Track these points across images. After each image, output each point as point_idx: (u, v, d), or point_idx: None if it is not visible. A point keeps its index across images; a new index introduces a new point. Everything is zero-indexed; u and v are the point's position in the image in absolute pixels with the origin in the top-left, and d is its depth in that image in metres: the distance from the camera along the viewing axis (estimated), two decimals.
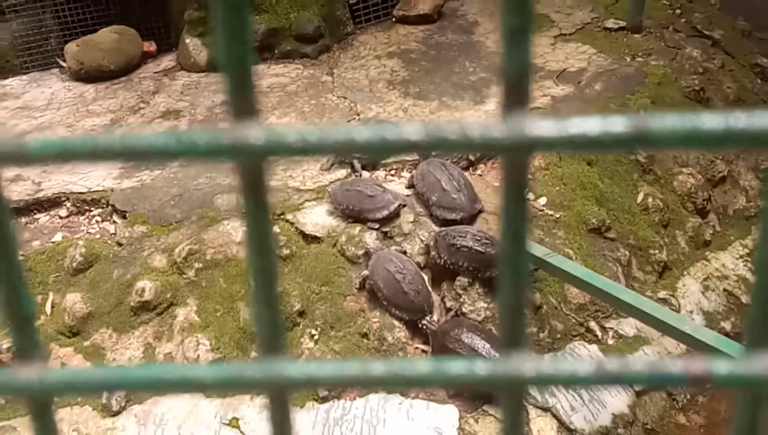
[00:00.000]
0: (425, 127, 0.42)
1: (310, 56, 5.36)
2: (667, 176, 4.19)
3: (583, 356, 3.41)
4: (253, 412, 3.21)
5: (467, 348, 3.12)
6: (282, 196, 3.80)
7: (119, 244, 3.71)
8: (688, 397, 3.56)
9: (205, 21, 5.29)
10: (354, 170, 3.95)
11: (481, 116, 4.38)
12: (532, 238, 3.72)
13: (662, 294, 3.76)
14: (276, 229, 3.60)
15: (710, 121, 0.40)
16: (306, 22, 5.34)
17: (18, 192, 4.09)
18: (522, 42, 0.41)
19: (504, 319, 0.46)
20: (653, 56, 4.86)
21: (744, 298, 3.94)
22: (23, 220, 3.99)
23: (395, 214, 3.60)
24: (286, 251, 3.53)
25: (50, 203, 4.06)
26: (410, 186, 3.81)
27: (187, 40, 5.42)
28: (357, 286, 3.46)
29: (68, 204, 4.04)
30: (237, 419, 3.20)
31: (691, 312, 3.79)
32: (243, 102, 0.43)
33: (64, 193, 4.07)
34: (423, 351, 3.35)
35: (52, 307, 3.56)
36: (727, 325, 3.80)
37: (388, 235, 3.57)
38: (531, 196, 3.82)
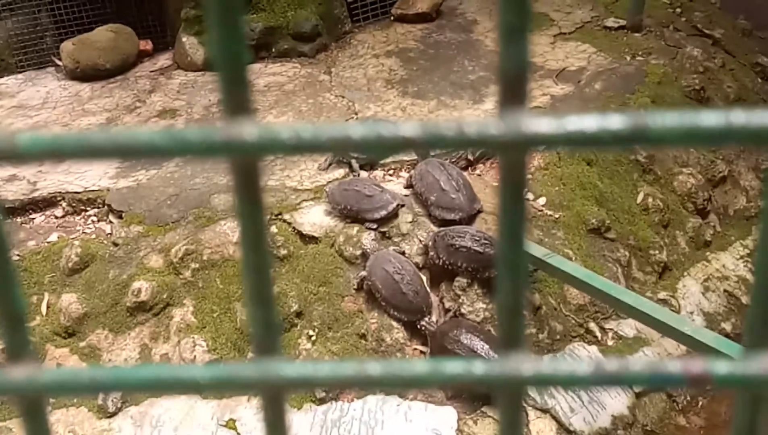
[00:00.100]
0: (422, 124, 0.41)
1: (307, 55, 5.35)
2: (668, 176, 4.18)
3: (582, 357, 3.40)
4: (250, 414, 3.21)
5: (466, 349, 3.12)
6: (279, 195, 3.80)
7: (115, 244, 3.70)
8: (688, 398, 3.56)
9: (202, 19, 5.26)
10: (352, 170, 3.95)
11: (479, 115, 4.38)
12: (531, 238, 3.71)
13: (662, 295, 3.76)
14: (273, 229, 3.59)
15: (709, 118, 0.40)
16: (303, 20, 5.33)
17: (13, 192, 4.08)
18: (520, 39, 0.40)
19: (502, 319, 0.45)
20: (653, 55, 4.86)
21: (744, 299, 3.94)
22: (19, 219, 3.98)
23: (393, 214, 3.59)
24: (283, 251, 3.52)
25: (46, 203, 4.05)
26: (408, 186, 3.80)
27: (184, 39, 5.41)
28: (355, 286, 3.45)
29: (64, 204, 4.03)
30: (234, 420, 3.19)
31: (692, 313, 3.79)
32: (237, 99, 0.42)
33: (59, 192, 4.06)
34: (421, 352, 3.35)
35: (48, 307, 3.55)
36: (727, 326, 3.80)
37: (387, 235, 3.57)
38: (530, 196, 3.82)
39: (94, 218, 3.96)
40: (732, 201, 4.39)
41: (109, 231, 3.84)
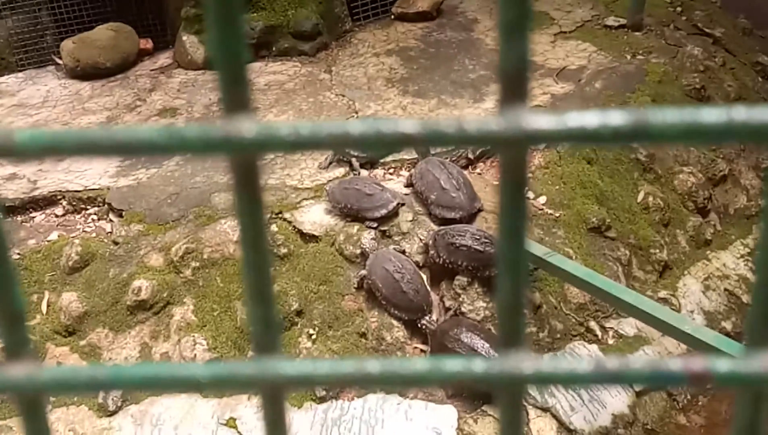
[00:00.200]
0: (421, 121, 0.41)
1: (308, 54, 5.35)
2: (668, 175, 4.18)
3: (582, 356, 3.40)
4: (251, 412, 3.20)
5: (466, 347, 3.12)
6: (280, 194, 3.79)
7: (115, 243, 3.70)
8: (689, 397, 3.56)
9: (202, 18, 5.25)
10: (352, 169, 3.95)
11: (480, 114, 4.38)
12: (531, 237, 3.71)
13: (663, 293, 3.76)
14: (274, 227, 3.59)
15: (711, 115, 0.40)
16: (304, 19, 5.33)
17: (14, 190, 4.08)
18: (520, 37, 0.40)
19: (503, 317, 0.45)
20: (654, 54, 4.86)
21: (745, 298, 3.94)
22: (19, 218, 3.98)
23: (394, 213, 3.59)
24: (283, 250, 3.52)
25: (46, 202, 4.05)
26: (409, 184, 3.80)
27: (184, 38, 5.41)
28: (355, 285, 3.45)
29: (64, 202, 4.03)
30: (234, 419, 3.19)
31: (692, 312, 3.79)
32: (236, 96, 0.42)
33: (60, 191, 4.05)
34: (422, 351, 3.35)
35: (48, 306, 3.55)
36: (727, 325, 3.80)
37: (387, 233, 3.56)
38: (531, 194, 3.82)
39: (95, 217, 3.96)
40: (732, 200, 4.39)
41: (109, 229, 3.84)
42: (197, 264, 3.52)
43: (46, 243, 3.78)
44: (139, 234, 3.70)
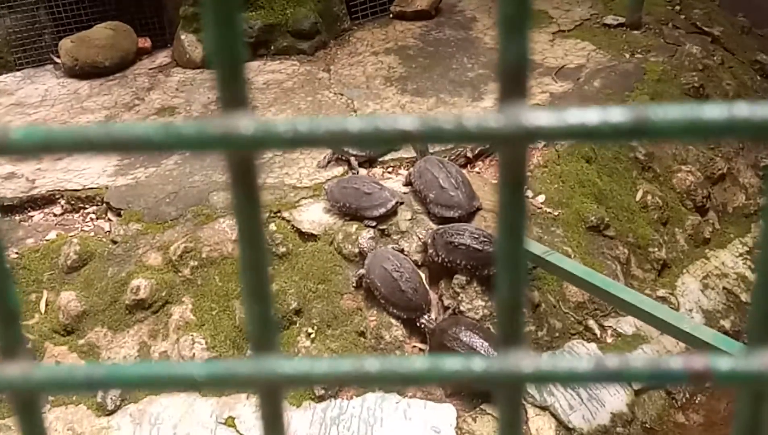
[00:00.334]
0: (420, 118, 0.41)
1: (306, 52, 5.35)
2: (667, 174, 4.18)
3: (581, 355, 3.40)
4: (249, 411, 3.20)
5: (465, 346, 3.12)
6: (278, 193, 3.79)
7: (114, 242, 3.69)
8: (687, 396, 3.56)
9: (201, 17, 5.26)
10: (351, 167, 3.94)
11: (479, 112, 4.37)
12: (530, 235, 3.71)
13: (661, 292, 3.76)
14: (272, 226, 3.58)
15: (712, 111, 0.39)
16: (302, 18, 5.33)
17: (12, 189, 4.07)
18: (519, 32, 0.40)
19: (502, 315, 0.45)
20: (652, 53, 4.86)
21: (744, 297, 3.94)
22: (17, 217, 3.98)
23: (392, 212, 3.58)
24: (282, 249, 3.52)
25: (44, 201, 4.04)
26: (408, 183, 3.80)
27: (183, 37, 5.40)
28: (354, 284, 3.45)
29: (63, 201, 4.02)
30: (233, 418, 3.19)
31: (691, 310, 3.79)
32: (233, 93, 0.42)
33: (58, 190, 4.05)
34: (420, 349, 3.34)
35: (47, 305, 3.54)
36: (726, 324, 3.80)
37: (386, 232, 3.56)
38: (529, 193, 3.82)
39: (93, 216, 3.96)
40: (731, 198, 4.39)
41: (107, 229, 3.83)
42: (196, 263, 3.52)
43: (45, 242, 3.78)
44: (137, 233, 3.70)
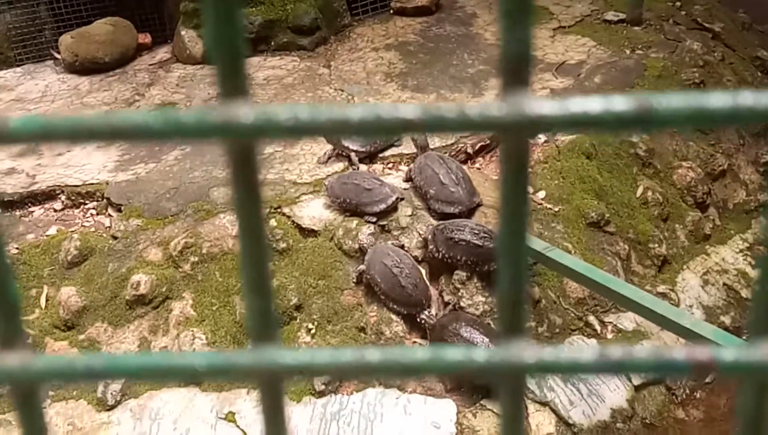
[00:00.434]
0: (422, 107, 0.40)
1: (306, 48, 5.34)
2: (667, 170, 4.18)
3: None
4: (250, 406, 3.20)
5: (465, 342, 3.12)
6: (279, 189, 3.79)
7: (114, 238, 3.69)
8: (687, 391, 3.56)
9: (201, 13, 5.25)
10: (351, 163, 3.94)
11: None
12: (530, 232, 3.69)
13: (662, 288, 3.76)
14: (273, 222, 3.58)
15: (717, 99, 0.39)
16: (303, 13, 5.32)
17: (12, 185, 4.07)
18: (521, 20, 0.39)
19: (503, 306, 0.44)
20: (653, 49, 4.85)
21: (744, 293, 3.93)
22: (17, 213, 3.97)
23: (393, 208, 3.58)
24: (282, 245, 3.51)
25: (45, 196, 4.04)
26: (408, 179, 3.79)
27: (183, 32, 5.39)
28: (354, 280, 3.44)
29: (63, 197, 4.02)
30: (233, 413, 3.19)
31: (691, 306, 3.78)
32: (233, 81, 0.41)
33: (58, 186, 4.05)
34: (420, 345, 3.34)
35: (47, 300, 3.54)
36: (726, 320, 3.80)
37: (386, 228, 3.56)
38: (530, 189, 3.81)
39: (93, 211, 3.95)
40: (731, 194, 4.39)
41: (108, 224, 3.83)
42: (196, 259, 3.52)
43: (45, 237, 3.77)
44: (137, 229, 3.70)
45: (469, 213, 3.58)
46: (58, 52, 5.49)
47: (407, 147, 4.00)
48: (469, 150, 4.03)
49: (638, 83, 4.50)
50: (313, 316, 3.39)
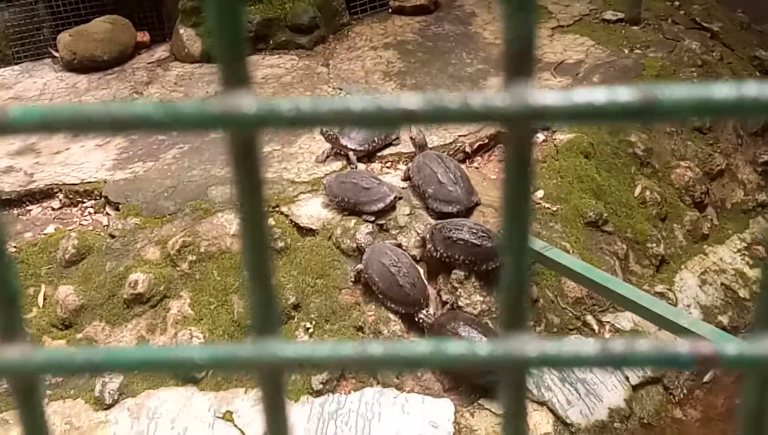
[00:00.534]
0: (424, 97, 0.40)
1: (305, 47, 5.33)
2: (665, 169, 4.18)
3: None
4: (247, 406, 3.20)
5: None
6: (277, 188, 3.78)
7: (112, 236, 3.68)
8: (685, 391, 3.56)
9: (199, 11, 5.25)
10: (349, 162, 3.93)
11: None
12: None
13: (659, 288, 3.76)
14: (271, 221, 3.58)
15: (721, 90, 0.39)
16: (301, 12, 5.31)
17: (10, 183, 4.06)
18: (524, 9, 0.39)
19: (506, 299, 0.44)
20: (652, 48, 4.85)
21: (742, 293, 3.94)
22: (15, 211, 3.97)
23: (391, 207, 3.58)
24: (280, 244, 3.51)
25: (43, 195, 4.03)
26: (406, 178, 3.79)
27: (181, 31, 5.39)
28: (352, 279, 3.44)
29: (61, 196, 4.02)
30: (231, 413, 3.19)
31: (689, 306, 3.79)
32: (234, 71, 0.41)
33: (56, 184, 4.04)
34: None
35: (45, 299, 3.53)
36: (724, 319, 3.80)
37: (384, 227, 3.56)
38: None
39: (91, 210, 3.95)
40: (729, 194, 4.39)
41: (106, 223, 3.82)
42: (194, 257, 3.51)
43: (43, 236, 3.77)
44: (135, 227, 3.69)
45: (467, 212, 3.58)
46: (57, 50, 5.48)
47: (405, 146, 4.00)
48: (468, 149, 4.03)
49: (637, 83, 4.50)
50: (311, 315, 3.38)
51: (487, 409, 3.20)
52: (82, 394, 3.30)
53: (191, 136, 4.30)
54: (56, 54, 5.50)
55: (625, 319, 3.60)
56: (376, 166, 3.99)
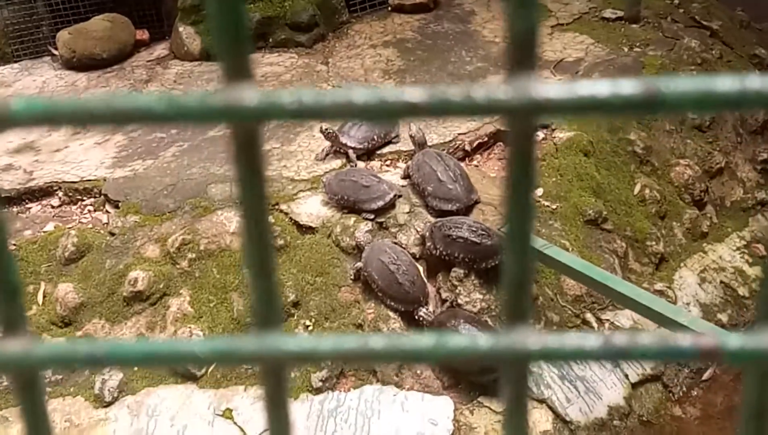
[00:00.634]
0: (427, 89, 0.40)
1: (304, 45, 5.33)
2: (665, 167, 4.18)
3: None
4: (247, 403, 3.20)
5: None
6: (276, 186, 3.78)
7: (112, 234, 3.68)
8: (684, 389, 3.56)
9: (199, 9, 5.25)
10: (349, 160, 3.93)
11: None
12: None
13: (659, 286, 3.76)
14: (270, 219, 3.57)
15: (724, 83, 0.39)
16: (301, 10, 5.31)
17: (9, 181, 4.06)
18: (527, 2, 0.39)
19: (509, 292, 0.44)
20: (651, 46, 4.85)
21: (741, 290, 3.94)
22: (15, 209, 3.97)
23: (390, 205, 3.58)
24: (280, 242, 3.51)
25: (42, 193, 4.03)
26: (406, 176, 3.79)
27: (181, 29, 5.38)
28: (351, 277, 3.44)
29: (60, 193, 4.01)
30: (230, 410, 3.19)
31: (688, 304, 3.79)
32: (236, 64, 0.41)
33: (56, 182, 4.04)
34: None
35: (44, 297, 3.53)
36: (723, 317, 3.80)
37: (384, 225, 3.56)
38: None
39: (91, 208, 3.95)
40: (729, 192, 4.39)
41: (105, 221, 3.82)
42: (193, 255, 3.51)
43: (42, 234, 3.77)
44: (135, 225, 3.69)
45: (466, 210, 3.58)
46: (56, 48, 5.48)
47: (405, 144, 4.00)
48: (467, 147, 4.03)
49: None
50: (311, 312, 3.38)
51: (486, 406, 3.20)
52: (82, 391, 3.30)
53: (192, 130, 4.30)
54: (55, 52, 5.50)
55: (625, 317, 3.60)
56: (375, 164, 3.99)
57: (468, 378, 3.24)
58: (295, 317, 3.38)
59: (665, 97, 0.39)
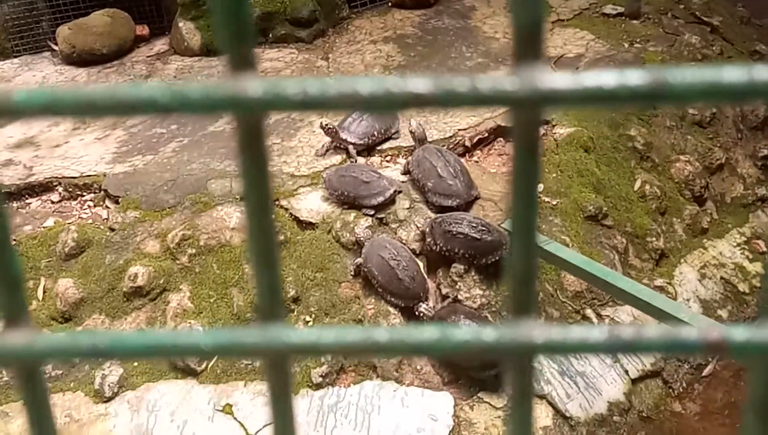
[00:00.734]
0: (433, 79, 0.40)
1: (305, 41, 5.32)
2: (665, 163, 4.18)
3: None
4: (247, 399, 3.20)
5: None
6: (276, 181, 3.78)
7: (112, 230, 3.68)
8: (684, 384, 3.56)
9: (199, 4, 5.24)
10: (349, 156, 3.93)
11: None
12: None
13: (659, 282, 3.76)
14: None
15: (732, 74, 0.39)
16: (301, 5, 5.30)
17: (9, 176, 4.06)
18: None
19: (514, 285, 0.44)
20: (651, 42, 4.84)
21: (741, 287, 3.94)
22: (15, 204, 3.96)
23: (391, 201, 3.58)
24: (280, 237, 3.51)
25: (42, 188, 4.03)
26: (406, 172, 3.78)
27: (181, 24, 5.37)
28: (352, 273, 3.44)
29: (60, 189, 4.01)
30: (230, 405, 3.19)
31: (688, 300, 3.79)
32: (240, 54, 0.41)
33: (56, 177, 4.03)
34: None
35: (44, 292, 3.53)
36: (723, 313, 3.80)
37: (384, 221, 3.56)
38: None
39: (91, 203, 3.94)
40: (729, 188, 4.39)
41: (105, 216, 3.82)
42: (193, 251, 3.51)
43: (42, 229, 3.76)
44: (135, 220, 3.69)
45: (466, 206, 3.58)
46: (56, 44, 5.47)
47: (405, 140, 3.99)
48: (467, 143, 4.03)
49: None
50: (311, 308, 3.38)
51: (486, 402, 3.20)
52: (82, 386, 3.30)
53: (192, 125, 4.29)
54: (55, 47, 5.49)
55: (625, 313, 3.60)
56: (375, 159, 3.99)
57: (468, 374, 3.24)
58: (295, 313, 3.38)
59: (672, 87, 0.39)
